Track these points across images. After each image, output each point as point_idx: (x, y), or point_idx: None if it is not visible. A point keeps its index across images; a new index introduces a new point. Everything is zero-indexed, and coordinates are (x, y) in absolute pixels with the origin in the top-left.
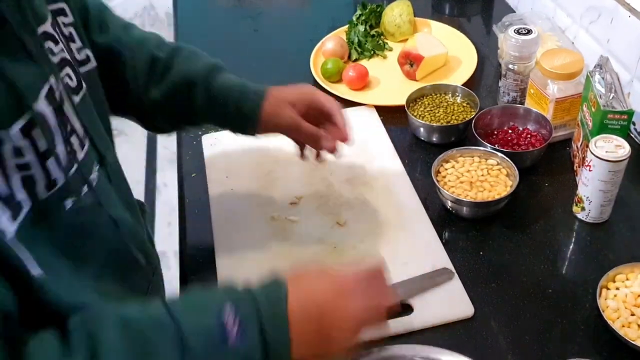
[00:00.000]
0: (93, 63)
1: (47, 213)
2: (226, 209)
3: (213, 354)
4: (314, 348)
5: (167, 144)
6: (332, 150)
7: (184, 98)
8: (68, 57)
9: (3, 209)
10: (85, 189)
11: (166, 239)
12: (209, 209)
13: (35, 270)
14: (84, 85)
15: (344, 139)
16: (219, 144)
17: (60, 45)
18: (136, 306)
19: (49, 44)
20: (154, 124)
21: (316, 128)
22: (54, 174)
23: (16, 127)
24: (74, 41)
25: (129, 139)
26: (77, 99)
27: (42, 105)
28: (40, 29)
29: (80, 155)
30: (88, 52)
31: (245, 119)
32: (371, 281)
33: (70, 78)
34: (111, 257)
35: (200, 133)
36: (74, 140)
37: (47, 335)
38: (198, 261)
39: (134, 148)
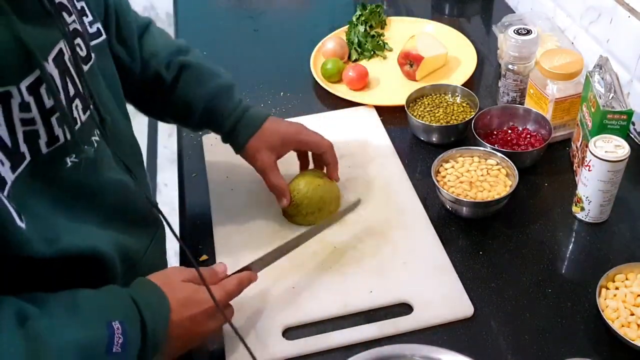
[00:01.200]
0: (103, 36)
1: (47, 168)
2: (226, 209)
3: None
4: (183, 345)
5: (167, 144)
6: (283, 205)
7: (181, 116)
8: (80, 28)
9: (5, 160)
10: (85, 149)
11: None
12: (209, 209)
13: (21, 223)
14: (93, 56)
15: (332, 178)
16: (220, 144)
17: (73, 17)
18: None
19: (64, 13)
20: (147, 114)
21: (281, 181)
22: (56, 131)
23: (25, 84)
24: (86, 15)
25: None
26: (85, 67)
27: (51, 66)
28: None
29: (83, 117)
30: (99, 25)
31: (234, 146)
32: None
33: (81, 48)
34: (109, 215)
35: (200, 133)
36: (77, 102)
37: None
38: (198, 261)
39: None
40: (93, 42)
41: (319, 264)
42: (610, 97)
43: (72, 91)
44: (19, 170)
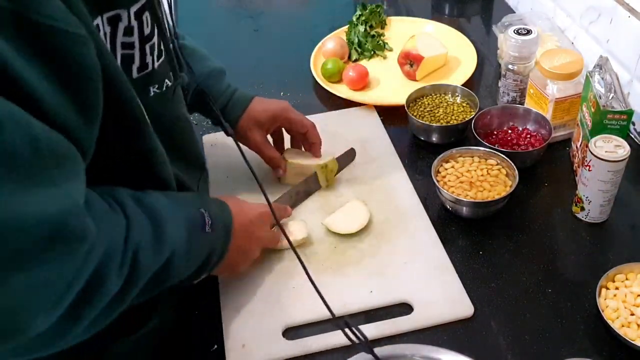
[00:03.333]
0: None
1: (135, 92)
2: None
3: (195, 237)
4: (238, 254)
5: None
6: (279, 175)
7: (195, 107)
8: None
9: None
10: (167, 82)
11: None
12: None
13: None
14: None
15: (315, 155)
16: (220, 144)
17: None
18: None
19: None
20: None
21: (275, 154)
22: (147, 58)
23: (134, 9)
24: None
25: None
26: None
27: None
28: None
29: (164, 54)
30: None
31: (228, 120)
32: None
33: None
34: (174, 149)
35: (200, 133)
36: (166, 41)
37: (90, 191)
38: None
39: None
40: None
41: (319, 263)
42: (610, 97)
43: (162, 29)
44: None
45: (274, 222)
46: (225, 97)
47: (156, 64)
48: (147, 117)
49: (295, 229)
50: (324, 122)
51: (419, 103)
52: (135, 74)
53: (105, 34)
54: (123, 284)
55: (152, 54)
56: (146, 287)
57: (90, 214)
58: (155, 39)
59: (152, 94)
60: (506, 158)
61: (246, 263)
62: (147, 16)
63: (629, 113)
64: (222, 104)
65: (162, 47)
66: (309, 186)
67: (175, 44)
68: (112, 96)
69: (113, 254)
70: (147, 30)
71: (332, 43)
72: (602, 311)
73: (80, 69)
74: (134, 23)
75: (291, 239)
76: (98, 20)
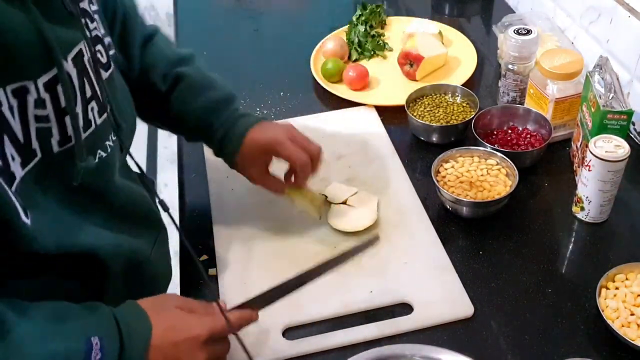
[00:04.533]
0: (114, 50)
1: (57, 167)
2: (226, 209)
3: None
4: None
5: (167, 144)
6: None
7: (173, 125)
8: (101, 35)
9: (16, 155)
10: (99, 152)
11: None
12: (209, 209)
13: (26, 219)
14: (112, 65)
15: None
16: None
17: (95, 24)
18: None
19: (86, 19)
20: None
21: (276, 186)
22: (69, 131)
23: (42, 80)
24: (102, 27)
25: None
26: (105, 74)
27: (69, 65)
28: (81, 5)
29: (99, 120)
30: (109, 39)
31: (225, 159)
32: (214, 336)
33: (102, 55)
34: (114, 217)
35: None
36: (94, 105)
37: None
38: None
39: (134, 148)
40: (110, 52)
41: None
42: (610, 97)
43: (89, 93)
44: (29, 166)
45: (221, 336)
46: (221, 134)
47: (83, 136)
48: (21, 212)
49: (362, 213)
50: (324, 122)
51: (419, 103)
52: (56, 148)
53: (11, 107)
54: None
55: (76, 125)
56: None
57: None
58: (78, 110)
59: (79, 166)
60: (506, 158)
61: None
62: (61, 88)
63: (629, 113)
64: (219, 142)
65: (91, 117)
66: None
67: (111, 118)
68: None
69: None
70: (63, 103)
71: (332, 43)
72: (602, 311)
73: None
74: (45, 95)
75: (358, 225)
76: (0, 93)
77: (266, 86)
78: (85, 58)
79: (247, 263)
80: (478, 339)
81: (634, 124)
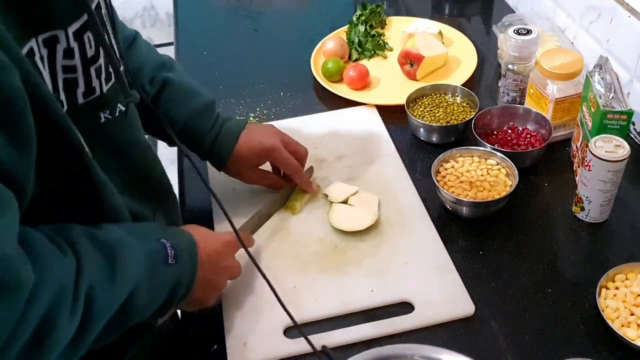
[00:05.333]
0: None
1: (82, 119)
2: (227, 209)
3: (157, 271)
4: (205, 286)
5: None
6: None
7: (160, 132)
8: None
9: None
10: (119, 107)
11: None
12: (209, 209)
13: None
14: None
15: (308, 191)
16: None
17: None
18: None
19: None
20: None
21: (274, 181)
22: (94, 82)
23: (72, 29)
24: None
25: None
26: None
27: (95, 11)
28: None
29: (119, 77)
30: None
31: (215, 164)
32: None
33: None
34: (127, 179)
35: None
36: (114, 63)
37: (36, 233)
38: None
39: None
40: None
41: (319, 263)
42: (610, 97)
43: (110, 50)
44: None
45: (239, 250)
46: (210, 139)
47: (105, 88)
48: (86, 148)
49: (363, 212)
50: (324, 121)
51: (419, 103)
52: (80, 100)
53: (42, 57)
54: (77, 330)
55: (98, 77)
56: (105, 330)
57: (30, 257)
58: (101, 61)
59: (103, 119)
60: (506, 158)
61: (214, 296)
62: (89, 36)
63: (629, 113)
64: (208, 147)
65: (110, 70)
66: (271, 209)
67: (124, 66)
68: (46, 126)
69: (62, 300)
70: (90, 52)
71: (332, 43)
72: (602, 311)
73: (0, 97)
74: (74, 44)
75: (359, 224)
76: (32, 43)
77: (266, 86)
78: (103, 10)
79: (247, 263)
80: (478, 339)
81: (634, 124)
